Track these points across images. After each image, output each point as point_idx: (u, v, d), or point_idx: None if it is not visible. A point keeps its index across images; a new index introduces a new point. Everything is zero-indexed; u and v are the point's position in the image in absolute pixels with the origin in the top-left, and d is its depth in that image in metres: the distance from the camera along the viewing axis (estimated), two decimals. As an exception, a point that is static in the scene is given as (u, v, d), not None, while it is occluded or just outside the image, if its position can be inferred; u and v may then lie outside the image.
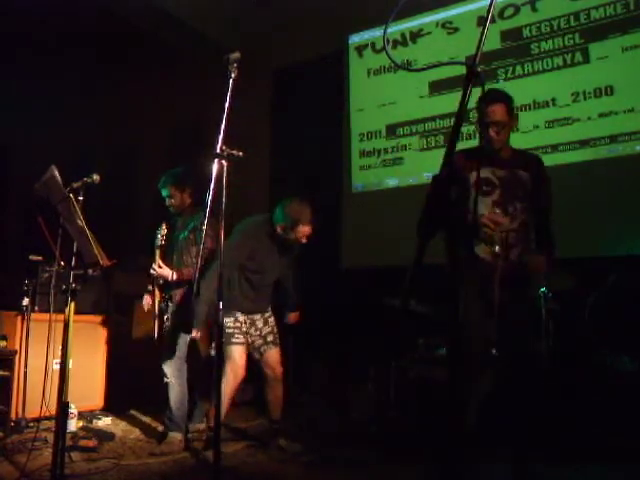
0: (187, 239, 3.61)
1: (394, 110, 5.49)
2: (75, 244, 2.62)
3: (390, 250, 4.84)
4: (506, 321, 2.33)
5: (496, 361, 2.39)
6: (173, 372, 3.52)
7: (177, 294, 3.60)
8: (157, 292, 3.63)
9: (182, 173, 3.74)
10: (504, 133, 2.62)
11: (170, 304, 3.61)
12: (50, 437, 3.16)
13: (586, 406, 3.49)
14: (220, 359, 2.02)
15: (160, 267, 3.50)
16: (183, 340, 3.54)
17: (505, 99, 2.65)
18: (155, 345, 3.61)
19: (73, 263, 2.60)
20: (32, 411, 3.62)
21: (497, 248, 2.39)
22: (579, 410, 3.49)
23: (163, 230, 3.53)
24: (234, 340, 3.32)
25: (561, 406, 3.50)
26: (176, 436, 3.45)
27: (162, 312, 3.63)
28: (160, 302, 3.64)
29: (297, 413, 4.36)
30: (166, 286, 3.61)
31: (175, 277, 3.50)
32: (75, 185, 2.66)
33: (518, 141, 4.86)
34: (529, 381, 2.50)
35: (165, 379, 3.53)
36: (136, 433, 3.84)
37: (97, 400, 4.32)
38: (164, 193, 3.71)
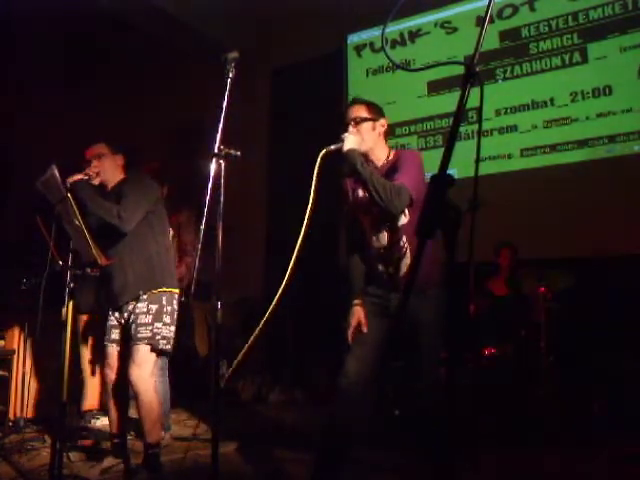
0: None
1: (393, 110, 5.48)
2: (73, 244, 2.62)
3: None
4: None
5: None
6: (157, 370, 3.44)
7: None
8: None
9: None
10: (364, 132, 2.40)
11: None
12: (48, 437, 3.16)
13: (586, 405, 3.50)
14: (218, 359, 2.01)
15: None
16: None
17: (365, 101, 2.49)
18: None
19: (71, 262, 2.60)
20: (30, 411, 3.62)
21: (389, 268, 2.38)
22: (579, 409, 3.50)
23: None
24: None
25: (561, 405, 3.50)
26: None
27: None
28: None
29: (297, 413, 4.37)
30: None
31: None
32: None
33: (517, 141, 4.92)
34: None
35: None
36: (134, 433, 3.83)
37: (95, 400, 4.32)
38: None
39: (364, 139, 2.37)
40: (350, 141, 2.30)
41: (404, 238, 2.34)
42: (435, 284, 2.27)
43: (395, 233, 2.35)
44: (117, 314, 2.94)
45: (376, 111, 2.45)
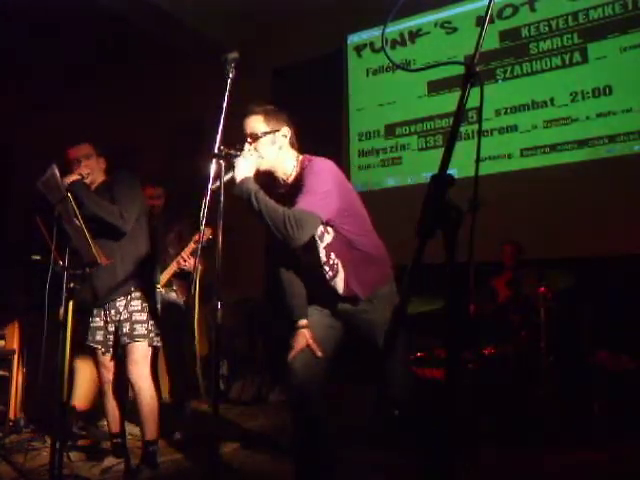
0: None
1: (393, 110, 5.50)
2: (73, 243, 2.62)
3: (389, 250, 4.84)
4: None
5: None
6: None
7: (180, 285, 3.64)
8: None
9: None
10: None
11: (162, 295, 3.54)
12: (48, 437, 3.16)
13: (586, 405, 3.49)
14: (218, 359, 2.01)
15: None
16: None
17: (261, 110, 2.19)
18: None
19: (71, 262, 2.60)
20: (30, 411, 3.62)
21: (326, 287, 2.23)
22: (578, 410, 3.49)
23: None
24: None
25: (561, 405, 3.50)
26: None
27: None
28: None
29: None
30: None
31: None
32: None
33: (517, 141, 4.92)
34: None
35: None
36: (135, 432, 3.83)
37: (95, 400, 4.31)
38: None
39: (263, 156, 2.11)
40: (242, 168, 2.03)
41: (333, 255, 2.18)
42: (382, 283, 2.21)
43: (323, 252, 2.19)
44: (102, 313, 2.92)
45: (276, 120, 2.15)
